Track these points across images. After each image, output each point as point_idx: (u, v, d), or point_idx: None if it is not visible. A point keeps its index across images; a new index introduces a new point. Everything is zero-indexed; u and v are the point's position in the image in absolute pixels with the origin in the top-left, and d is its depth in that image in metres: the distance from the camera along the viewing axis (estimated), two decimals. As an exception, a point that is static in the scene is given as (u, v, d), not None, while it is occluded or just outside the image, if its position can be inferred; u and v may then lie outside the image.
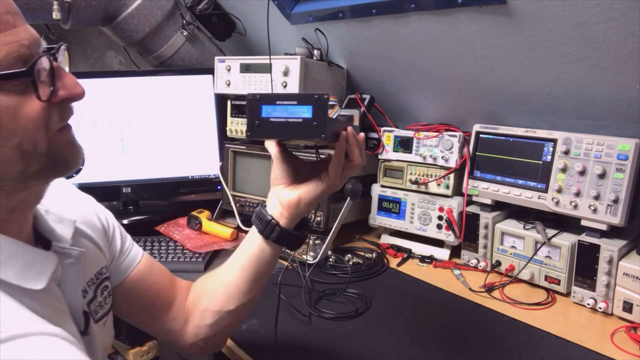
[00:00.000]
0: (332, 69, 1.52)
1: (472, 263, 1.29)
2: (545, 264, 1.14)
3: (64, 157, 0.56)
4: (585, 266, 1.06)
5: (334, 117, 1.11)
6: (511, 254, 1.20)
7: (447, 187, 1.32)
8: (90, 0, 1.49)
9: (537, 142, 1.16)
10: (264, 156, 1.47)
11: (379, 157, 1.43)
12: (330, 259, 1.31)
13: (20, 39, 0.50)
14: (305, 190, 0.74)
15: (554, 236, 1.13)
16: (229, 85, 1.48)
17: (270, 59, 1.35)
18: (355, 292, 1.14)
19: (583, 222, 1.09)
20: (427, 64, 1.31)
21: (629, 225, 1.05)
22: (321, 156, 0.83)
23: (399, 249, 1.41)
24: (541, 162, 1.15)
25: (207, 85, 1.59)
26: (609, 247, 1.03)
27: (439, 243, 1.38)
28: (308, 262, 1.25)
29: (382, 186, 1.44)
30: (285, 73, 1.35)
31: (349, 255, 1.33)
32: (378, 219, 1.46)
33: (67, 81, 0.55)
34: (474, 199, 1.28)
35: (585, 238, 1.07)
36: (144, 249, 0.92)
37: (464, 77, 1.28)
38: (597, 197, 1.05)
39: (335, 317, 1.04)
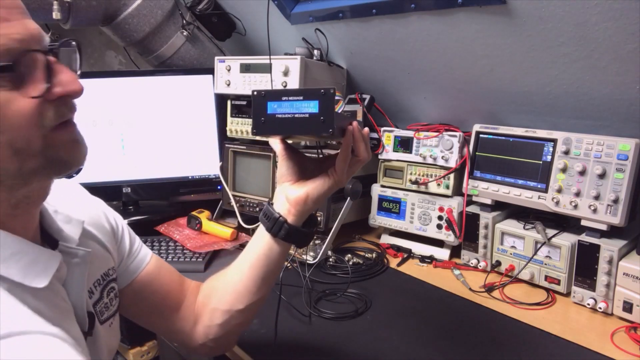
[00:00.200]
0: (332, 69, 1.52)
1: (472, 263, 1.29)
2: (545, 264, 1.14)
3: (61, 156, 0.54)
4: (585, 266, 1.06)
5: (339, 112, 1.11)
6: (511, 254, 1.20)
7: (447, 187, 1.32)
8: (90, 0, 1.49)
9: (537, 142, 1.16)
10: (264, 156, 1.47)
11: (379, 157, 1.43)
12: (330, 259, 1.31)
13: (10, 32, 0.49)
14: (313, 187, 0.73)
15: (554, 236, 1.13)
16: (229, 85, 1.48)
17: (270, 59, 1.35)
18: (355, 292, 1.14)
19: (583, 222, 1.09)
20: (427, 64, 1.31)
21: (629, 225, 1.05)
22: (327, 153, 0.82)
23: (399, 249, 1.41)
24: (541, 162, 1.15)
25: (207, 85, 1.59)
26: (609, 247, 1.03)
27: (439, 243, 1.38)
28: (308, 262, 1.25)
29: (382, 186, 1.44)
30: (285, 73, 1.35)
31: (349, 255, 1.33)
32: (378, 219, 1.46)
33: (64, 78, 0.53)
34: (474, 199, 1.28)
35: (585, 238, 1.07)
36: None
37: (464, 77, 1.28)
38: (597, 197, 1.05)
39: (335, 317, 1.04)
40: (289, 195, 0.74)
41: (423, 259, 1.35)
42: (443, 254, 1.36)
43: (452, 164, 1.30)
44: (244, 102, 1.49)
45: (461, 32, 1.14)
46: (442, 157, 1.31)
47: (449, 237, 1.32)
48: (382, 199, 1.44)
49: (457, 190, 1.33)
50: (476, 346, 0.95)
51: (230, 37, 1.81)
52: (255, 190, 1.50)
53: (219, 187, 1.61)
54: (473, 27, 1.10)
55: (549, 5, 0.95)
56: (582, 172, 1.07)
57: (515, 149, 1.20)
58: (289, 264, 1.20)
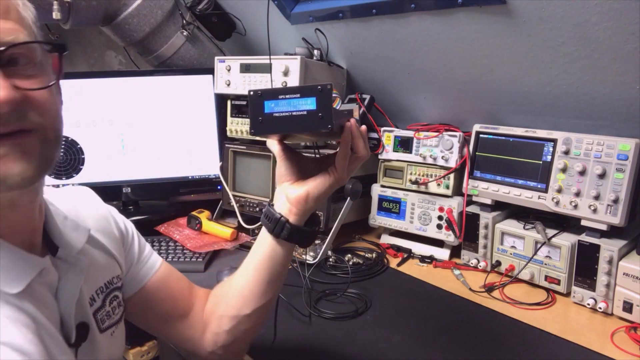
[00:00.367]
0: (332, 69, 1.52)
1: (472, 263, 1.29)
2: (545, 264, 1.14)
3: None
4: (585, 266, 1.06)
5: (337, 108, 1.11)
6: (511, 254, 1.20)
7: (447, 187, 1.32)
8: (90, 0, 1.49)
9: (537, 142, 1.16)
10: (264, 156, 1.47)
11: (379, 157, 1.43)
12: (330, 259, 1.31)
13: None
14: (313, 185, 0.73)
15: (554, 236, 1.13)
16: (229, 85, 1.48)
17: (270, 59, 1.35)
18: (355, 292, 1.14)
19: (583, 222, 1.09)
20: (427, 64, 1.31)
21: (629, 225, 1.05)
22: (325, 153, 0.82)
23: (399, 249, 1.41)
24: (541, 162, 1.15)
25: (207, 85, 1.59)
26: (609, 247, 1.03)
27: (439, 243, 1.38)
28: (308, 262, 1.25)
29: (382, 186, 1.44)
30: (285, 73, 1.36)
31: (349, 255, 1.33)
32: (378, 219, 1.46)
33: None
34: (474, 199, 1.28)
35: (585, 238, 1.07)
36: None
37: (464, 77, 1.28)
38: (597, 197, 1.05)
39: (335, 317, 1.04)
40: (289, 195, 0.74)
41: (423, 259, 1.35)
42: (443, 254, 1.36)
43: (452, 164, 1.30)
44: (244, 102, 1.49)
45: (461, 32, 1.14)
46: (442, 157, 1.31)
47: (449, 237, 1.32)
48: (382, 199, 1.44)
49: (457, 190, 1.33)
50: (476, 346, 0.95)
51: (230, 37, 1.81)
52: (255, 190, 1.50)
53: (219, 187, 1.61)
54: (473, 27, 1.10)
55: (549, 5, 0.95)
56: (582, 172, 1.07)
57: (515, 149, 1.20)
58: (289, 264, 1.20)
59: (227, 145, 1.55)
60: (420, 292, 1.18)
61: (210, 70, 1.55)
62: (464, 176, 1.29)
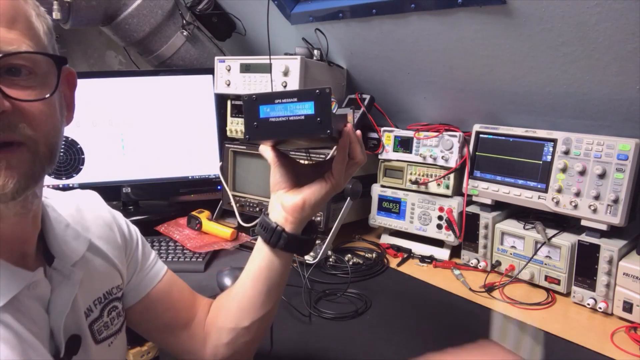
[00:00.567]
0: (332, 69, 1.52)
1: (472, 263, 1.29)
2: (545, 264, 1.14)
3: None
4: (585, 266, 1.06)
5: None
6: (511, 254, 1.20)
7: (447, 187, 1.32)
8: (90, 0, 1.49)
9: (537, 142, 1.16)
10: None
11: (379, 157, 1.43)
12: (330, 259, 1.31)
13: None
14: (310, 192, 0.71)
15: (554, 236, 1.13)
16: (229, 85, 1.48)
17: (270, 59, 1.35)
18: (355, 292, 1.14)
19: (583, 222, 1.09)
20: (427, 64, 1.31)
21: (629, 225, 1.05)
22: (326, 156, 0.81)
23: (399, 249, 1.41)
24: (541, 162, 1.15)
25: (207, 85, 1.59)
26: (609, 247, 1.03)
27: (439, 243, 1.38)
28: (308, 262, 1.25)
29: (382, 186, 1.44)
30: (285, 73, 1.35)
31: (349, 255, 1.33)
32: (378, 219, 1.46)
33: None
34: (474, 199, 1.28)
35: (585, 238, 1.07)
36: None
37: (464, 77, 1.28)
38: (597, 197, 1.05)
39: (335, 317, 1.04)
40: (285, 203, 0.71)
41: (423, 259, 1.35)
42: (443, 254, 1.36)
43: (452, 164, 1.30)
44: (244, 102, 1.49)
45: (461, 32, 1.14)
46: (442, 157, 1.31)
47: (449, 237, 1.32)
48: (382, 199, 1.44)
49: (457, 190, 1.33)
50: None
51: (230, 37, 1.81)
52: (255, 190, 1.50)
53: (219, 187, 1.61)
54: (473, 27, 1.10)
55: (549, 5, 0.95)
56: (582, 172, 1.07)
57: (515, 149, 1.20)
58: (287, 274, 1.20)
59: (227, 145, 1.55)
60: (420, 292, 1.18)
61: (210, 70, 1.55)
62: (464, 176, 1.29)
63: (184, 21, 1.65)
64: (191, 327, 0.81)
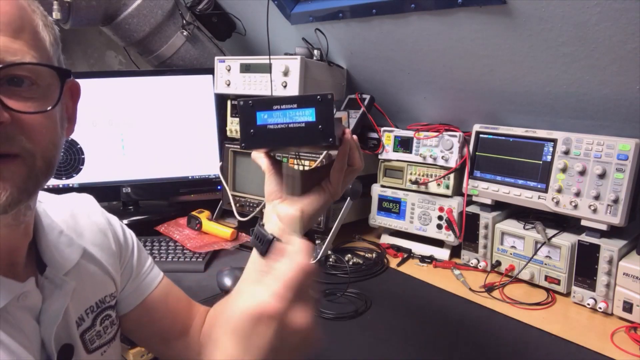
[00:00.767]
0: (332, 69, 1.52)
1: (472, 263, 1.29)
2: (545, 264, 1.14)
3: None
4: (585, 266, 1.06)
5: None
6: (511, 254, 1.20)
7: (447, 187, 1.32)
8: (90, 0, 1.49)
9: (537, 142, 1.16)
10: (264, 156, 1.47)
11: (379, 157, 1.43)
12: (330, 259, 1.31)
13: None
14: (307, 202, 0.67)
15: (554, 236, 1.13)
16: (229, 85, 1.48)
17: (270, 59, 1.35)
18: (355, 292, 1.14)
19: (583, 222, 1.09)
20: (427, 64, 1.31)
21: (629, 225, 1.05)
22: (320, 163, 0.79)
23: (399, 249, 1.41)
24: (541, 162, 1.15)
25: (207, 85, 1.59)
26: (609, 247, 1.03)
27: (439, 243, 1.37)
28: (308, 262, 1.25)
29: (382, 186, 1.44)
30: (285, 73, 1.35)
31: (349, 255, 1.33)
32: (378, 219, 1.46)
33: None
34: (474, 199, 1.28)
35: (585, 238, 1.07)
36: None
37: (464, 77, 1.28)
38: (597, 197, 1.05)
39: (335, 317, 1.04)
40: (281, 214, 0.67)
41: (423, 259, 1.35)
42: (443, 254, 1.36)
43: (452, 164, 1.30)
44: (244, 102, 1.49)
45: (461, 32, 1.14)
46: (442, 157, 1.31)
47: (449, 237, 1.32)
48: (382, 199, 1.44)
49: (457, 190, 1.33)
50: (476, 346, 0.95)
51: (230, 37, 1.81)
52: (255, 190, 1.50)
53: (218, 187, 1.61)
54: (473, 27, 1.10)
55: (549, 5, 0.95)
56: (582, 172, 1.07)
57: (515, 149, 1.20)
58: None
59: (227, 145, 1.55)
60: (420, 292, 1.18)
61: (210, 70, 1.55)
62: (464, 176, 1.29)
63: (184, 21, 1.65)
64: (187, 336, 0.80)
